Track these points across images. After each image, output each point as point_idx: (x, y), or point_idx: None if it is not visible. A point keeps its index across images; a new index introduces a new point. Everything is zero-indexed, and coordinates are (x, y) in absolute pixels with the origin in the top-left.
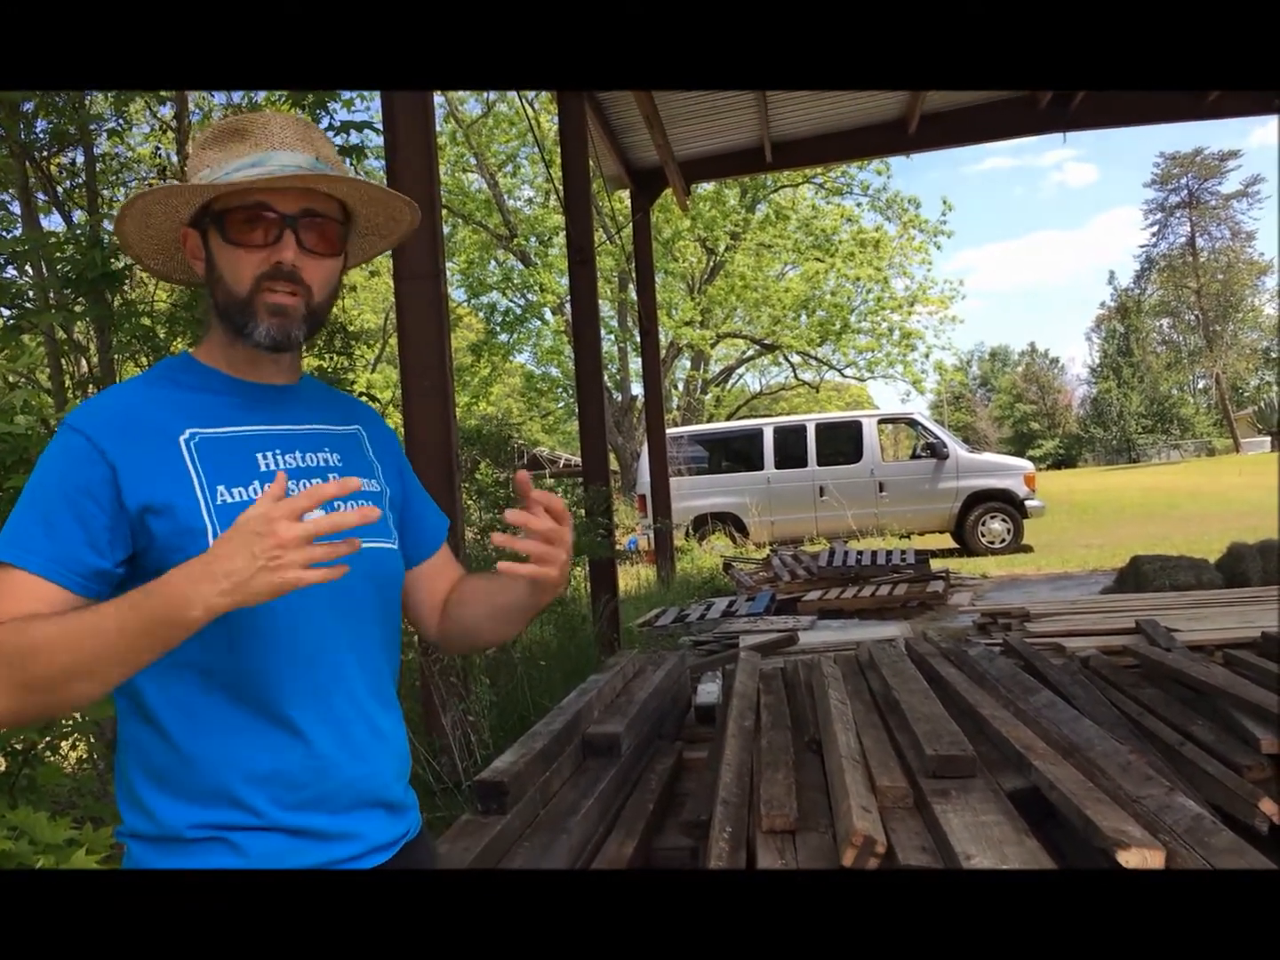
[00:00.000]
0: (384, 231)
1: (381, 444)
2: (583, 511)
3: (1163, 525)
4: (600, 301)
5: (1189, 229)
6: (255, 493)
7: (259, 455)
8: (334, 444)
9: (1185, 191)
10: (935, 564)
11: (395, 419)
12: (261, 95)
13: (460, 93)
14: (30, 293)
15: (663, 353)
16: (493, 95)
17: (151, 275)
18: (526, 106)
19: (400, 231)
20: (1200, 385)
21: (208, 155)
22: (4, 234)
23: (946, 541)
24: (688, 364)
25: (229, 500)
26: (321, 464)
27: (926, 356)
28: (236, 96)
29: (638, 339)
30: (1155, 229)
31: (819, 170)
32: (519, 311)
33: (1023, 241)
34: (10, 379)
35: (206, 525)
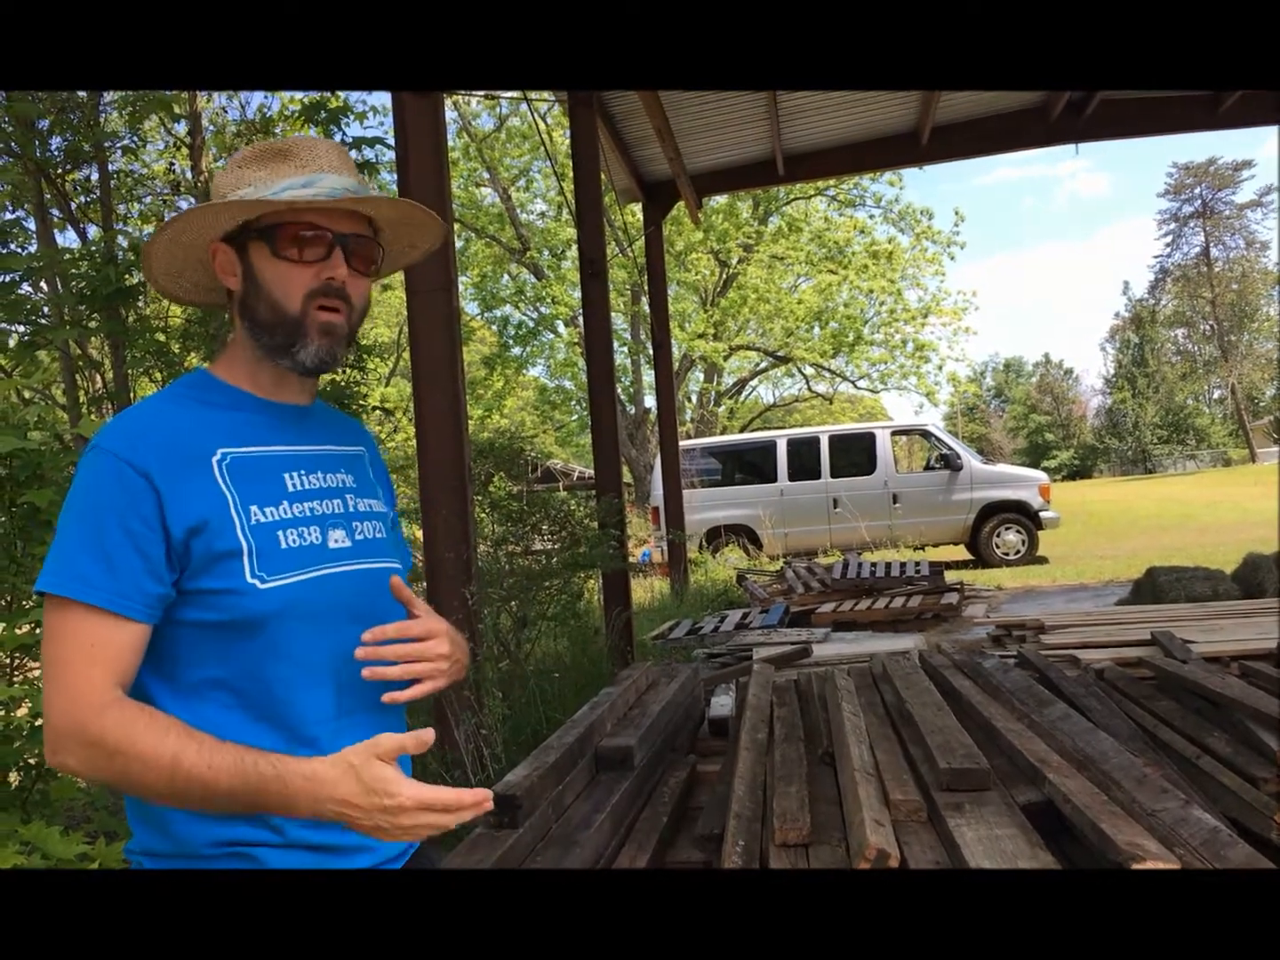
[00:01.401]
0: (401, 257)
1: (378, 467)
2: (596, 524)
3: (1178, 536)
4: (613, 314)
5: (1203, 239)
6: (285, 512)
7: (286, 475)
8: (346, 465)
9: (1199, 201)
10: (949, 576)
11: (409, 432)
12: (276, 104)
13: (473, 107)
14: (45, 309)
15: (676, 365)
16: (505, 109)
17: (159, 292)
18: (539, 120)
19: (416, 256)
20: (1216, 395)
21: (248, 173)
22: (19, 250)
23: (961, 553)
24: (701, 376)
25: (262, 520)
26: (339, 485)
27: (940, 368)
28: (250, 112)
29: (651, 351)
30: (1169, 239)
31: (831, 182)
32: (532, 325)
33: (1036, 252)
34: (26, 395)
35: (242, 545)
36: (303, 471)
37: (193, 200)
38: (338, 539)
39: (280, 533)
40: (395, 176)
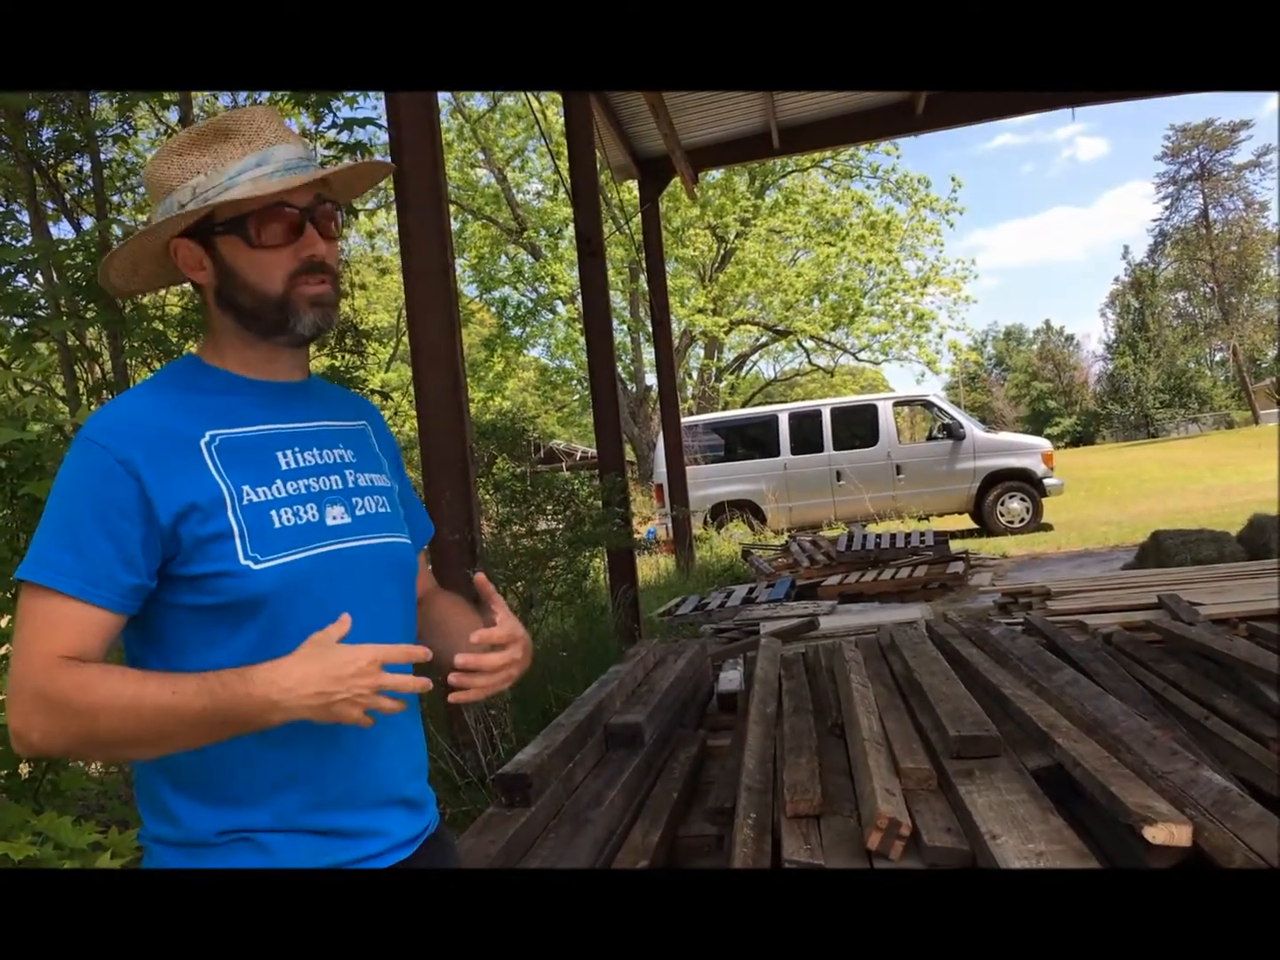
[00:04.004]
0: (348, 194)
1: (384, 440)
2: (600, 503)
3: (1183, 499)
4: (612, 292)
5: (1202, 201)
6: (279, 491)
7: (279, 454)
8: (346, 440)
9: (1197, 164)
10: (955, 545)
11: (410, 416)
12: (264, 96)
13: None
14: (41, 300)
15: (676, 341)
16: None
17: (113, 293)
18: (532, 100)
19: (362, 190)
20: (1217, 358)
21: (192, 160)
22: (13, 242)
23: (966, 522)
24: (701, 352)
25: (254, 500)
26: (337, 460)
27: (940, 337)
28: (242, 98)
29: (650, 329)
30: (1168, 202)
31: (828, 154)
32: (530, 305)
33: (1035, 218)
34: (25, 387)
35: (233, 527)
36: (297, 449)
37: None
38: (336, 515)
39: (273, 512)
40: (389, 159)
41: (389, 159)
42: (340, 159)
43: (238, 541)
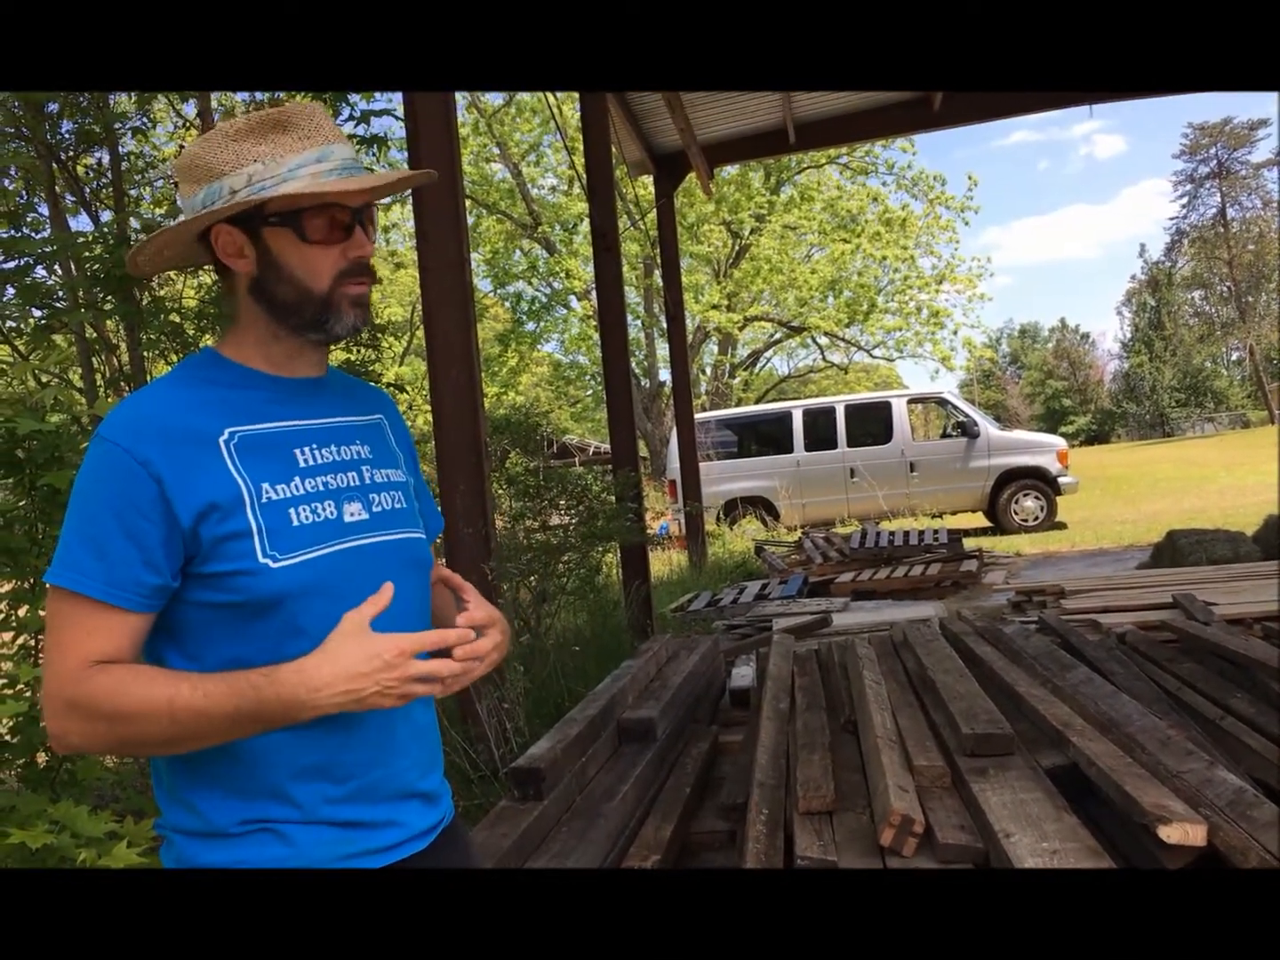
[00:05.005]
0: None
1: (399, 433)
2: (613, 498)
3: (1198, 499)
4: (626, 288)
5: (1219, 199)
6: (297, 489)
7: (297, 451)
8: (363, 436)
9: (1215, 162)
10: (968, 543)
11: (425, 410)
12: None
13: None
14: (60, 292)
15: (690, 337)
16: None
17: (136, 273)
18: (548, 95)
19: (392, 195)
20: (1234, 357)
21: (248, 148)
22: (32, 235)
23: (979, 520)
24: (715, 348)
25: (273, 498)
26: (355, 457)
27: (955, 334)
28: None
29: (664, 324)
30: (1185, 200)
31: (843, 150)
32: (545, 300)
33: (1051, 216)
34: (43, 379)
35: (252, 526)
36: (315, 446)
37: None
38: (354, 512)
39: (292, 510)
40: (406, 154)
41: (405, 153)
42: (359, 151)
43: (256, 540)
